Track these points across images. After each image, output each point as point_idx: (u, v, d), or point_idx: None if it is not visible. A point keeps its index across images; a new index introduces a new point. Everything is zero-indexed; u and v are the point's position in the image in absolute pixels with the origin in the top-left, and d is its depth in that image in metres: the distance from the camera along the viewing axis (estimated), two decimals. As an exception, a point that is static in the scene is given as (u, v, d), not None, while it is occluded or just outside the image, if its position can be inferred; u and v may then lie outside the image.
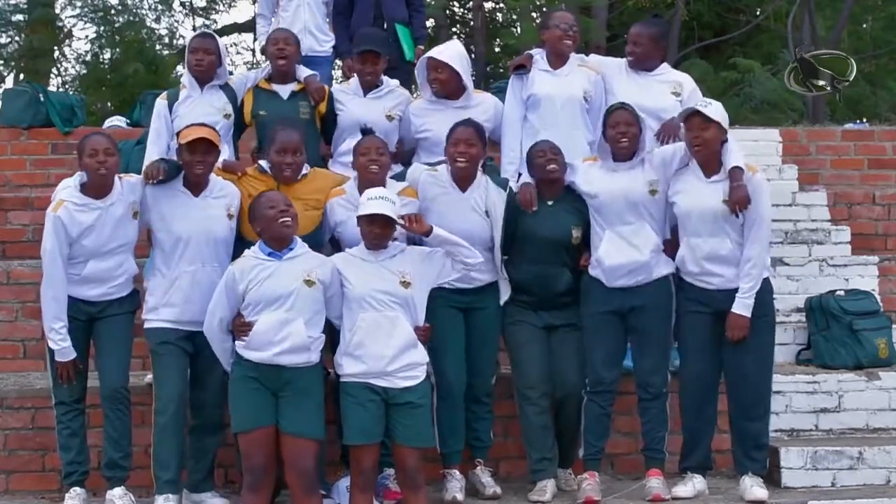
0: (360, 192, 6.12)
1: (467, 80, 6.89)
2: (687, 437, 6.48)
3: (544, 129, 6.83)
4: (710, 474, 6.59)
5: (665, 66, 7.06)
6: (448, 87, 6.88)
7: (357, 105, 7.06)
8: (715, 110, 6.26)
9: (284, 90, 7.06)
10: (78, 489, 6.24)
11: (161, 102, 6.99)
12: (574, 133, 6.86)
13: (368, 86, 7.11)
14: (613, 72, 7.02)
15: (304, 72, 7.16)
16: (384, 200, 5.86)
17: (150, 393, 6.31)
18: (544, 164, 6.46)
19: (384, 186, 6.14)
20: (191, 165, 6.12)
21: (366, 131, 6.48)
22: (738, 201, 6.17)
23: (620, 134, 6.36)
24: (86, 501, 6.25)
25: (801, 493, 6.55)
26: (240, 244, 6.18)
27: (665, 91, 6.90)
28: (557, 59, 6.99)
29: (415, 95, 7.72)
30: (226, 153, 6.70)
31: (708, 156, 6.28)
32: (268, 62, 7.16)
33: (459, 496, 6.32)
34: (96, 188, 6.09)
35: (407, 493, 5.95)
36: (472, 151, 6.35)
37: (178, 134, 6.28)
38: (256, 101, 7.04)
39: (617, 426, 6.68)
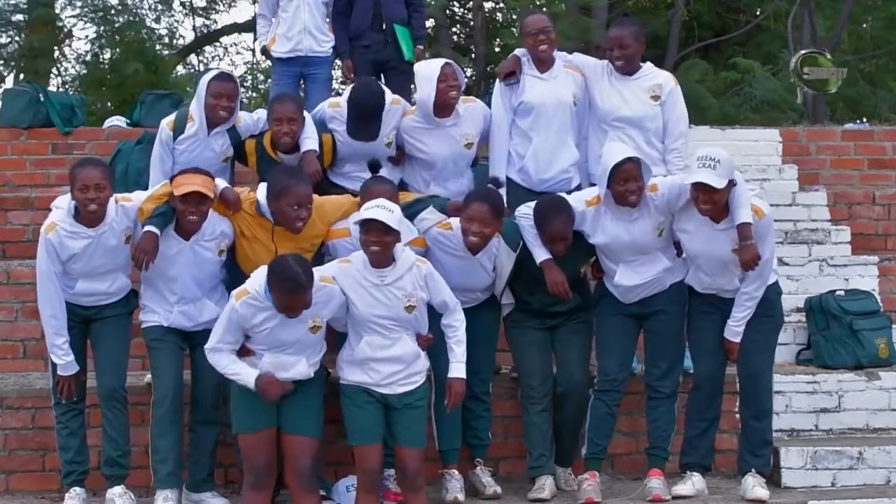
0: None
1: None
2: (690, 436, 6.48)
3: (536, 135, 6.87)
4: (710, 474, 6.58)
5: (647, 68, 6.91)
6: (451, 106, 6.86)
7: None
8: (722, 172, 6.02)
9: (290, 161, 6.74)
10: (78, 489, 6.24)
11: (166, 130, 6.79)
12: (564, 138, 6.89)
13: None
14: (595, 74, 6.92)
15: (305, 143, 6.74)
16: (381, 208, 5.75)
17: (149, 393, 6.32)
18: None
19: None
20: (184, 215, 6.06)
21: (374, 166, 6.48)
22: (749, 262, 6.13)
23: (630, 192, 6.20)
24: (86, 501, 6.25)
25: (801, 493, 6.56)
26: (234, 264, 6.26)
27: (645, 98, 6.80)
28: (541, 63, 6.95)
29: (414, 94, 7.66)
30: (221, 185, 6.71)
31: (717, 210, 6.19)
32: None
33: (460, 496, 6.31)
34: (88, 218, 6.07)
35: (407, 495, 5.95)
36: (487, 231, 6.20)
37: (172, 179, 6.16)
38: (261, 163, 6.83)
39: (617, 426, 6.66)
